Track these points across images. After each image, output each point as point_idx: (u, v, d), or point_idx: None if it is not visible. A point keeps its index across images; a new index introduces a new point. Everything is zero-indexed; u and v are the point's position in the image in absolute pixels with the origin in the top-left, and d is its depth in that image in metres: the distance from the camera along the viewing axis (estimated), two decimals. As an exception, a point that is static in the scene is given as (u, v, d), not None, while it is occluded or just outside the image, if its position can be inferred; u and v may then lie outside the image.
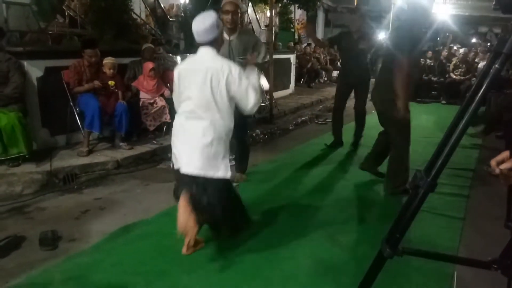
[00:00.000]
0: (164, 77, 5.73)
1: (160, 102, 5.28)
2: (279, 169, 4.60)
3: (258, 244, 2.92)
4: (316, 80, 12.36)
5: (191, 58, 2.73)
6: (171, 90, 5.61)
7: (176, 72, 2.71)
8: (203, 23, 2.54)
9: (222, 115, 2.57)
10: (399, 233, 1.20)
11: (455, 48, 11.45)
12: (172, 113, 5.37)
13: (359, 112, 5.47)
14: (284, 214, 3.48)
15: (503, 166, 1.06)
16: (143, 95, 5.26)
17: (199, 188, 2.57)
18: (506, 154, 1.09)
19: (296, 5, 12.21)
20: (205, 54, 2.60)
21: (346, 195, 3.95)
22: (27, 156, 4.13)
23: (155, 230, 3.13)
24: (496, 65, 1.04)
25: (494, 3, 1.06)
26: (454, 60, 9.88)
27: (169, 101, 5.37)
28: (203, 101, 2.54)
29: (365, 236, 3.08)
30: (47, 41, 5.73)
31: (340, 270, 2.60)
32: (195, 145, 2.54)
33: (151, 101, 5.26)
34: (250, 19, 11.11)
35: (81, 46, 4.79)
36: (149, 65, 5.26)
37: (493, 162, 1.09)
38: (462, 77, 9.41)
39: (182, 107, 2.66)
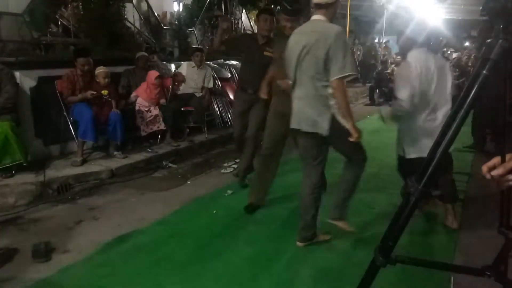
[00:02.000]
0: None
1: (154, 110, 5.27)
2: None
3: (254, 252, 2.90)
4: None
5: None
6: (166, 99, 5.64)
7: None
8: None
9: None
10: (392, 241, 1.18)
11: (448, 52, 11.52)
12: (166, 121, 5.38)
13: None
14: (278, 220, 3.47)
15: (495, 173, 1.04)
16: (140, 101, 5.26)
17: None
18: (497, 159, 1.07)
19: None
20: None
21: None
22: (24, 164, 4.09)
23: (150, 240, 3.10)
24: (484, 71, 1.04)
25: (481, 9, 1.06)
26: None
27: (162, 109, 5.38)
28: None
29: (361, 242, 3.06)
30: (35, 51, 5.72)
31: (336, 277, 2.59)
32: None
33: (147, 108, 5.25)
34: (244, 26, 11.15)
35: (74, 55, 4.78)
36: (155, 73, 5.30)
37: (484, 168, 1.07)
38: (455, 81, 9.46)
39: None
